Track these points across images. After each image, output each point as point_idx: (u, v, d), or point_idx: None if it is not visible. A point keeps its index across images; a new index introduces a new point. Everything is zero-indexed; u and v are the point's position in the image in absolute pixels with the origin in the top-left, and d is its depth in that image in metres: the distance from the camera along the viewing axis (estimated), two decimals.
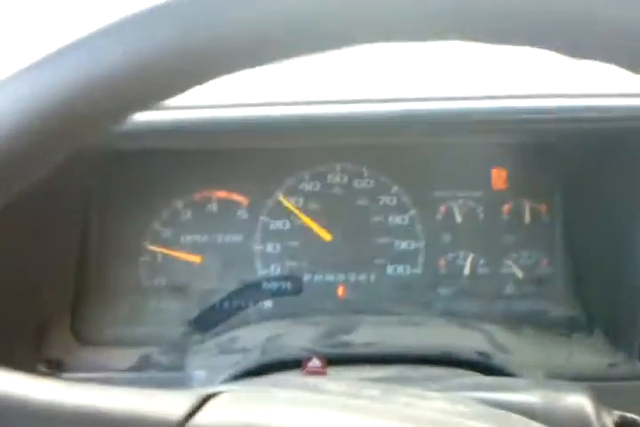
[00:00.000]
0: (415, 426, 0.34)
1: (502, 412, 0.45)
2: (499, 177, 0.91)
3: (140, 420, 0.31)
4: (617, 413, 0.52)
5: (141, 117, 0.68)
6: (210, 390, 0.34)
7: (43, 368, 0.75)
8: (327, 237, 0.89)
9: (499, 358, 0.76)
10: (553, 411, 0.51)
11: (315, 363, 0.65)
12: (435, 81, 0.75)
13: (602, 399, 0.52)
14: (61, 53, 0.28)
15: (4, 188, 0.31)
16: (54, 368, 0.76)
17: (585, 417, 0.50)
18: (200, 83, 0.29)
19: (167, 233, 0.87)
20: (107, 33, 0.28)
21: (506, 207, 0.90)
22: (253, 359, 0.74)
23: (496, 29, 0.26)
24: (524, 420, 0.44)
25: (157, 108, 0.69)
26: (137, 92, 0.29)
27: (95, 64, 0.27)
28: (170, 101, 0.30)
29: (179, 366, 0.76)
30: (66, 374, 0.76)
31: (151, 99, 0.29)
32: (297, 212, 0.88)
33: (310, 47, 0.28)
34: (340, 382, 0.48)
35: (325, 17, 0.27)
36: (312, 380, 0.45)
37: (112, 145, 0.78)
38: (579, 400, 0.52)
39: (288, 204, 0.88)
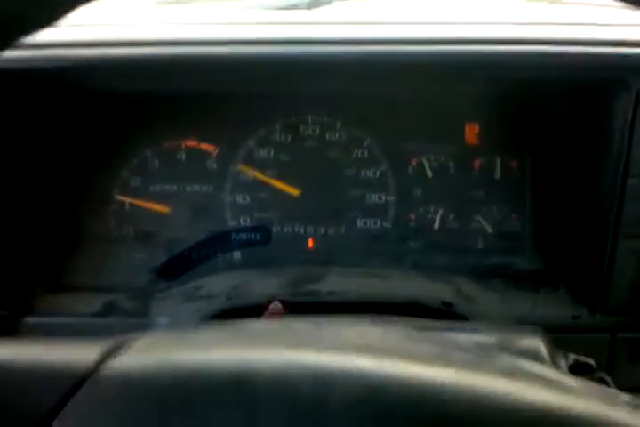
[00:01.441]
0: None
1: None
2: (471, 132, 0.90)
3: (51, 368, 0.31)
4: (572, 356, 0.53)
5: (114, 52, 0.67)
6: (125, 337, 0.34)
7: (3, 313, 0.75)
8: (295, 192, 0.88)
9: (463, 308, 0.77)
10: (507, 352, 0.51)
11: (276, 306, 0.65)
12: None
13: (563, 348, 0.52)
14: None
15: None
16: (18, 313, 0.75)
17: (539, 358, 0.51)
18: None
19: (136, 182, 0.86)
20: None
21: (477, 162, 0.90)
22: (217, 305, 0.74)
23: None
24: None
25: (129, 45, 0.68)
26: None
27: None
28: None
29: (143, 313, 0.76)
30: (29, 319, 0.75)
31: None
32: (260, 176, 0.87)
33: None
34: (268, 322, 0.48)
35: None
36: (247, 322, 0.45)
37: (84, 86, 0.77)
38: (533, 342, 0.52)
39: (251, 168, 0.87)
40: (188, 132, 0.87)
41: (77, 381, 0.31)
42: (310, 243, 0.89)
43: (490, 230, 0.89)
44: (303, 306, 0.72)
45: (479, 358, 0.41)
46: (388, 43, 0.70)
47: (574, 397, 0.34)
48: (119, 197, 0.86)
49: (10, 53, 0.64)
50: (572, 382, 0.37)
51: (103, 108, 0.84)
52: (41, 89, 0.75)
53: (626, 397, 0.36)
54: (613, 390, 0.38)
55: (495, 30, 0.71)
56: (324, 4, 1.16)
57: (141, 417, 0.31)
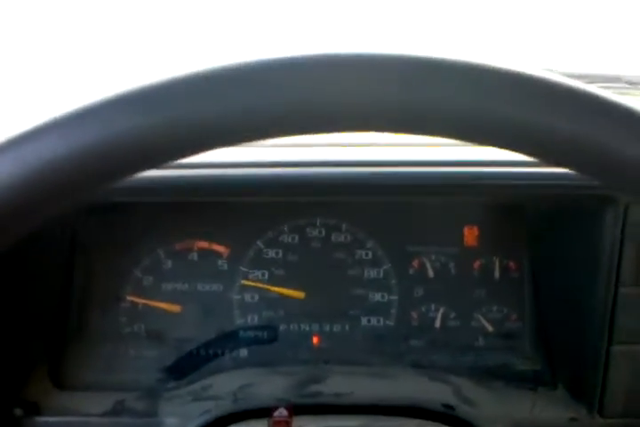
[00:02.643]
0: None
1: None
2: (470, 234, 0.95)
3: None
4: None
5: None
6: None
7: (19, 412, 0.77)
8: (300, 295, 0.92)
9: (464, 411, 0.78)
10: None
11: (281, 412, 0.67)
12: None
13: None
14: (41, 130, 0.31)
15: None
16: (31, 412, 0.77)
17: None
18: (154, 166, 0.33)
19: (148, 281, 0.90)
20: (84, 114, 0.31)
21: (477, 263, 0.93)
22: (224, 408, 0.76)
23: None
24: None
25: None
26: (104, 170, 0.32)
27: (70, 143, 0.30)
28: None
29: (152, 413, 0.78)
30: (42, 418, 0.78)
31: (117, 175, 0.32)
32: (264, 286, 0.91)
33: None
34: None
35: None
36: None
37: (97, 198, 0.83)
38: None
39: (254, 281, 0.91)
40: (200, 234, 0.91)
41: None
42: (315, 340, 0.91)
43: (490, 329, 0.92)
44: (309, 408, 0.74)
45: None
46: (392, 164, 0.76)
47: None
48: (131, 297, 0.90)
49: None
50: None
51: (116, 212, 0.89)
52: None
53: None
54: None
55: (491, 153, 0.77)
56: None
57: None
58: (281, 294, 0.91)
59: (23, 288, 0.80)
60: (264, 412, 0.74)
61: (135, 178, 0.70)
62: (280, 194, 0.79)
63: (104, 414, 0.78)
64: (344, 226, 0.93)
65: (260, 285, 0.91)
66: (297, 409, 0.74)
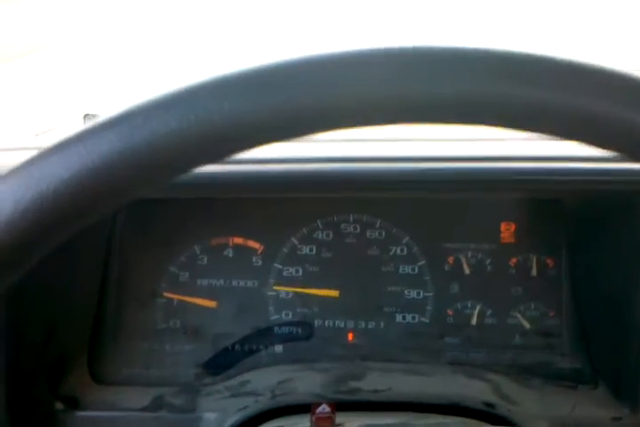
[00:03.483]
0: None
1: None
2: (507, 231, 0.93)
3: None
4: None
5: None
6: None
7: (59, 406, 0.78)
8: (334, 294, 0.91)
9: (504, 409, 0.77)
10: None
11: (324, 409, 0.66)
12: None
13: None
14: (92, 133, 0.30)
15: (30, 255, 0.33)
16: (71, 406, 0.78)
17: None
18: (201, 164, 0.32)
19: (184, 277, 0.90)
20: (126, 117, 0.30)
21: (513, 260, 0.92)
22: (263, 403, 0.76)
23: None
24: None
25: None
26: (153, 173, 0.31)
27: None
28: None
29: (190, 408, 0.78)
30: (81, 413, 0.78)
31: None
32: (297, 290, 0.91)
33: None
34: None
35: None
36: None
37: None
38: None
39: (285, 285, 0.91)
40: (236, 230, 0.91)
41: None
42: (350, 337, 0.91)
43: (527, 327, 0.91)
44: (348, 405, 0.73)
45: None
46: (426, 160, 0.75)
47: None
48: (167, 293, 0.90)
49: None
50: None
51: (153, 208, 0.90)
52: None
53: None
54: None
55: (529, 147, 0.76)
56: None
57: None
58: (316, 300, 0.91)
59: (61, 284, 0.80)
60: (303, 408, 0.73)
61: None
62: (319, 190, 0.79)
63: (143, 409, 0.78)
64: (378, 222, 0.93)
65: (293, 289, 0.91)
66: (337, 406, 0.73)
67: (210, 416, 0.77)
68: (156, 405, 0.79)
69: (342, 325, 0.91)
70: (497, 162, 0.73)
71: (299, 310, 0.91)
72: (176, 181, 0.72)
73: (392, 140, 0.79)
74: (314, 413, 0.66)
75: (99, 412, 0.78)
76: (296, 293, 0.91)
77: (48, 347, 0.78)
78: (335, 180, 0.73)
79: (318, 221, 0.92)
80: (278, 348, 0.90)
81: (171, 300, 0.89)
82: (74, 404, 0.78)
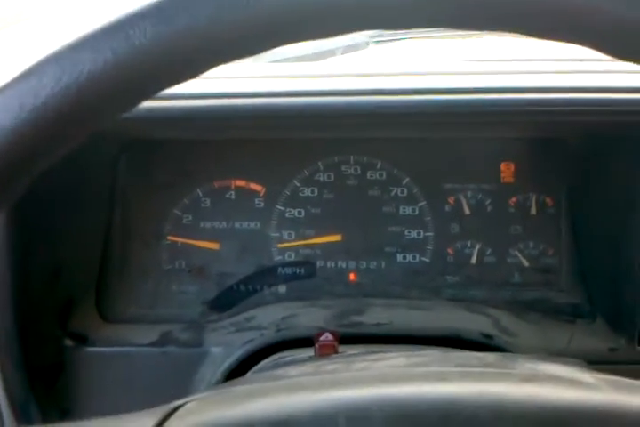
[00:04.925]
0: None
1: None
2: (507, 171, 0.94)
3: None
4: None
5: (164, 106, 0.73)
6: (173, 404, 0.37)
7: (68, 342, 0.80)
8: (337, 238, 0.92)
9: (502, 340, 0.79)
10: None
11: (327, 337, 0.68)
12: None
13: None
14: (72, 47, 0.31)
15: (23, 172, 0.34)
16: (80, 343, 0.80)
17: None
18: (195, 75, 0.33)
19: (187, 219, 0.91)
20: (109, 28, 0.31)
21: (513, 200, 0.93)
22: (268, 337, 0.78)
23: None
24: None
25: (180, 98, 0.73)
26: (138, 83, 0.32)
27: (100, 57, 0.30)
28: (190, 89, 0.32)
29: (197, 343, 0.80)
30: (90, 349, 0.80)
31: (151, 89, 0.33)
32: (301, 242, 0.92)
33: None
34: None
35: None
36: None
37: (138, 134, 0.83)
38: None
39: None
40: (237, 173, 0.92)
41: None
42: (352, 277, 0.92)
43: (526, 265, 0.92)
44: (351, 338, 0.75)
45: (499, 369, 0.44)
46: (421, 93, 0.75)
47: (596, 392, 0.37)
48: (171, 235, 0.91)
49: None
50: (590, 377, 0.40)
51: (156, 150, 0.90)
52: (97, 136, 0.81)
53: None
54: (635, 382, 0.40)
55: (527, 79, 0.76)
56: (360, 48, 1.22)
57: None
58: (320, 226, 0.92)
59: (66, 226, 0.81)
60: (307, 341, 0.75)
61: (167, 108, 0.71)
62: (313, 125, 0.79)
63: (151, 345, 0.80)
64: (379, 163, 0.93)
65: (296, 243, 0.92)
66: (340, 339, 0.75)
67: (216, 350, 0.79)
68: (164, 340, 0.81)
69: (344, 265, 0.93)
70: (499, 93, 0.73)
71: (301, 251, 0.92)
72: (176, 120, 0.72)
73: (392, 74, 0.79)
74: (317, 340, 0.67)
75: (107, 348, 0.80)
76: (299, 234, 0.92)
77: (56, 286, 0.80)
78: (337, 112, 0.74)
79: (319, 163, 0.93)
80: (282, 287, 0.91)
81: (175, 241, 0.90)
82: (83, 340, 0.80)
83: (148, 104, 0.74)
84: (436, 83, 0.76)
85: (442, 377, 0.40)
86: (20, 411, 0.71)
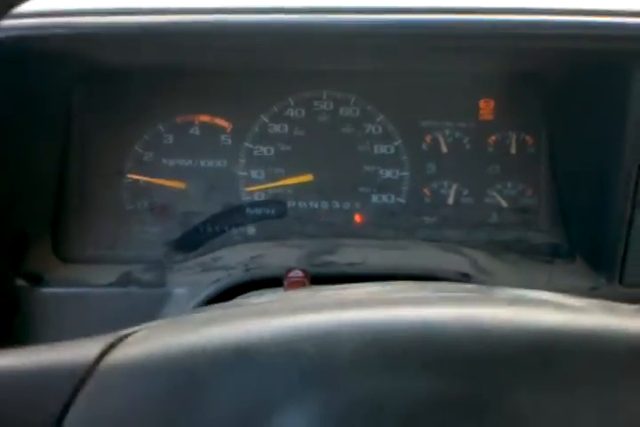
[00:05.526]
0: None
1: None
2: (486, 108, 0.90)
3: (51, 370, 0.31)
4: None
5: (115, 21, 0.67)
6: (124, 331, 0.34)
7: (21, 282, 0.75)
8: (309, 178, 0.88)
9: (479, 279, 0.76)
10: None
11: (296, 273, 0.64)
12: None
13: None
14: None
15: None
16: (34, 283, 0.75)
17: None
18: None
19: (149, 156, 0.86)
20: None
21: (492, 138, 0.89)
22: (236, 276, 0.74)
23: None
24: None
25: (134, 13, 0.68)
26: None
27: None
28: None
29: (160, 283, 0.76)
30: (45, 289, 0.75)
31: None
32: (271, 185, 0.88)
33: None
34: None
35: None
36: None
37: (94, 61, 0.77)
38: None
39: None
40: (202, 108, 0.86)
41: (80, 379, 0.31)
42: (324, 217, 0.88)
43: (505, 205, 0.89)
44: (322, 278, 0.71)
45: (480, 294, 0.41)
46: (398, 11, 0.70)
47: (580, 313, 0.34)
48: (132, 173, 0.86)
49: (17, 21, 0.64)
50: (575, 301, 0.37)
51: (115, 81, 0.84)
52: (49, 61, 0.75)
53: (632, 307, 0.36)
54: (620, 304, 0.38)
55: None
56: None
57: (150, 403, 0.30)
58: (290, 164, 0.87)
59: (18, 159, 0.76)
60: (277, 282, 0.71)
61: (118, 24, 0.65)
62: (279, 49, 0.73)
63: (110, 285, 0.76)
64: (353, 99, 0.88)
65: (264, 186, 0.87)
66: (311, 278, 0.71)
67: (180, 291, 0.75)
68: (124, 281, 0.76)
69: (316, 205, 0.89)
70: (473, 14, 0.68)
71: (271, 190, 0.88)
72: (128, 37, 0.66)
73: None
74: (286, 277, 0.63)
75: (64, 288, 0.76)
76: (268, 173, 0.88)
77: (8, 220, 0.74)
78: (302, 31, 0.69)
79: (289, 98, 0.88)
80: (251, 227, 0.87)
81: (136, 180, 0.85)
82: (37, 280, 0.75)
83: (98, 19, 0.68)
84: (405, 2, 0.71)
85: (418, 301, 0.36)
86: None
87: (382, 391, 0.30)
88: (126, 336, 0.33)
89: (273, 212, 0.87)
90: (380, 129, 0.89)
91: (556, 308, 0.36)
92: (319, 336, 0.31)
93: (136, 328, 0.35)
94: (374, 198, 0.89)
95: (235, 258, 0.77)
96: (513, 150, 0.89)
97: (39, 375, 0.31)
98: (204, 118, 0.87)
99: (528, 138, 0.89)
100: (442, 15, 0.69)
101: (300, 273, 0.64)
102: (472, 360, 0.30)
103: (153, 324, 0.36)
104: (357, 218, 0.88)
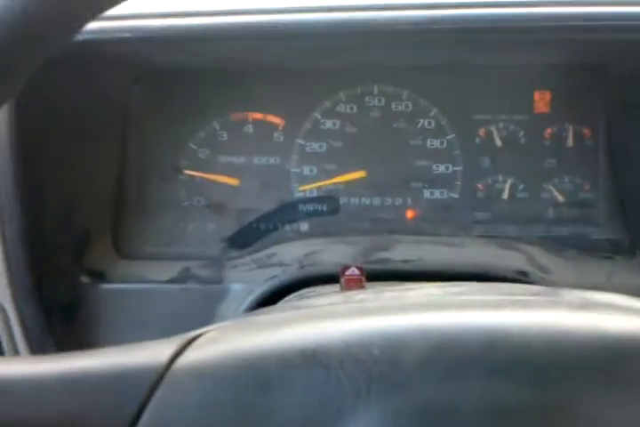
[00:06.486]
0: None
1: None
2: (542, 100, 0.88)
3: (124, 372, 0.31)
4: None
5: (171, 24, 0.68)
6: (193, 333, 0.34)
7: (85, 279, 0.77)
8: (362, 175, 0.88)
9: (537, 277, 0.75)
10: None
11: (353, 271, 0.64)
12: None
13: None
14: None
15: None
16: (96, 279, 0.77)
17: None
18: None
19: (204, 153, 0.87)
20: None
21: (548, 131, 0.88)
22: (291, 273, 0.75)
23: None
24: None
25: (188, 15, 0.68)
26: None
27: None
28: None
29: (217, 279, 0.77)
30: (107, 285, 0.77)
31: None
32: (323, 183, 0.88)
33: None
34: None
35: None
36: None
37: (151, 62, 0.79)
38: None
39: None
40: (255, 105, 0.87)
41: (153, 382, 0.31)
42: (378, 213, 0.88)
43: (561, 200, 0.87)
44: (378, 274, 0.71)
45: (548, 297, 0.40)
46: (453, 6, 0.69)
47: None
48: (188, 169, 0.87)
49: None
50: None
51: (170, 81, 0.85)
52: (109, 63, 0.76)
53: None
54: None
55: None
56: None
57: (221, 406, 0.31)
58: (343, 159, 0.87)
59: (80, 159, 0.78)
60: (332, 279, 0.71)
61: (175, 27, 0.66)
62: (332, 47, 0.73)
63: (169, 281, 0.77)
64: (405, 94, 0.88)
65: (317, 184, 0.87)
66: (366, 276, 0.71)
67: (237, 287, 0.76)
68: (183, 277, 0.78)
69: (368, 201, 0.88)
70: (532, 7, 0.67)
71: (324, 186, 0.88)
72: (185, 39, 0.67)
73: None
74: (343, 275, 0.64)
75: (125, 284, 0.78)
76: (321, 169, 0.88)
77: (71, 218, 0.77)
78: (355, 29, 0.68)
79: (341, 94, 0.88)
80: (303, 224, 0.87)
81: (192, 176, 0.87)
82: (99, 277, 0.78)
83: (158, 22, 0.69)
84: None
85: (485, 305, 0.36)
86: (36, 346, 0.68)
87: (449, 399, 0.30)
88: (196, 338, 0.34)
89: (325, 208, 0.88)
90: (433, 123, 0.88)
91: (628, 312, 0.35)
92: (386, 340, 0.32)
93: (205, 329, 0.35)
94: (427, 194, 0.88)
95: (289, 255, 0.78)
96: (570, 143, 0.87)
97: (113, 379, 0.31)
98: (257, 116, 0.87)
99: (585, 130, 0.87)
100: (502, 9, 0.68)
101: (356, 271, 0.65)
102: (543, 367, 0.30)
103: (222, 325, 0.37)
104: (409, 214, 0.88)
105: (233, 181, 0.87)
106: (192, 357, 0.32)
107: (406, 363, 0.30)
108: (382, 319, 0.33)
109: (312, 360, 0.31)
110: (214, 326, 0.36)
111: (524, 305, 0.36)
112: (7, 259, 0.69)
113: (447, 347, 0.31)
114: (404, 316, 0.34)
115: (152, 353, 0.33)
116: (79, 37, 0.67)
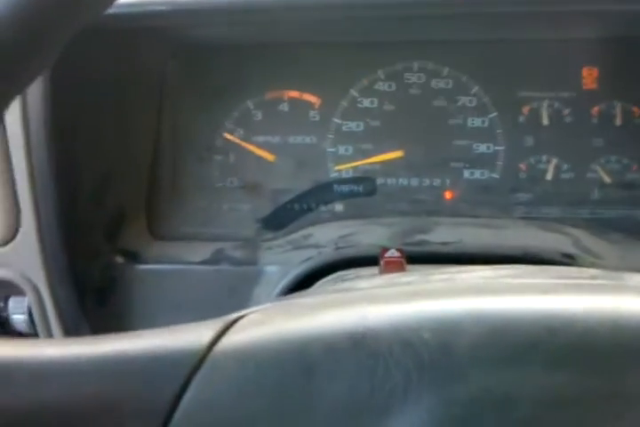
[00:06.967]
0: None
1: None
2: (589, 76, 0.84)
3: (165, 355, 0.30)
4: None
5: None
6: (235, 315, 0.33)
7: (119, 259, 0.76)
8: (399, 154, 0.85)
9: (585, 261, 0.72)
10: None
11: (393, 253, 0.63)
12: None
13: None
14: None
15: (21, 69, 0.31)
16: (131, 260, 0.76)
17: None
18: None
19: (239, 133, 0.85)
20: None
21: (595, 109, 0.84)
22: (327, 255, 0.73)
23: None
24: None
25: None
26: None
27: None
28: None
29: (251, 261, 0.76)
30: (141, 266, 0.77)
31: None
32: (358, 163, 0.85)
33: None
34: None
35: None
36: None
37: (186, 35, 0.77)
38: None
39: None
40: (291, 83, 0.85)
41: (194, 365, 0.30)
42: (416, 194, 0.86)
43: (608, 181, 0.84)
44: (416, 257, 0.69)
45: (609, 281, 0.38)
46: None
47: None
48: (223, 149, 0.85)
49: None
50: None
51: (205, 57, 0.84)
52: (145, 37, 0.75)
53: None
54: None
55: None
56: None
57: (263, 390, 0.30)
58: (379, 139, 0.85)
59: (114, 137, 0.77)
60: (369, 260, 0.70)
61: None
62: (372, 25, 0.70)
63: (203, 262, 0.76)
64: (446, 70, 0.85)
65: (353, 164, 0.85)
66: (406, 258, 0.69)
67: (272, 269, 0.74)
68: (217, 258, 0.77)
69: (406, 182, 0.86)
70: None
71: (360, 167, 0.86)
72: (220, 12, 0.65)
73: None
74: (382, 257, 0.62)
75: (159, 265, 0.77)
76: (357, 149, 0.85)
77: (105, 197, 0.76)
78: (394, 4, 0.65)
79: (379, 71, 0.85)
80: (339, 205, 0.85)
81: (227, 155, 0.85)
82: (134, 257, 0.77)
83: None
84: None
85: (544, 289, 0.33)
86: (71, 327, 0.68)
87: (506, 387, 0.28)
88: (237, 320, 0.33)
89: (361, 189, 0.86)
90: (475, 101, 0.85)
91: None
92: (437, 324, 0.30)
93: (246, 311, 0.34)
94: (466, 174, 0.86)
95: (325, 236, 0.76)
96: (618, 122, 0.84)
97: (153, 361, 0.30)
98: (293, 94, 0.85)
99: (635, 109, 0.83)
100: None
101: (396, 253, 0.63)
102: (609, 354, 0.28)
103: (264, 307, 0.35)
104: (448, 195, 0.85)
105: (268, 157, 0.85)
106: (234, 339, 0.31)
107: (459, 348, 0.29)
108: (434, 303, 0.32)
109: (360, 345, 0.29)
110: (256, 308, 0.35)
111: (586, 289, 0.33)
112: (41, 240, 0.68)
113: (504, 332, 0.29)
114: (457, 299, 0.32)
115: (193, 336, 0.32)
116: (114, 10, 0.66)
